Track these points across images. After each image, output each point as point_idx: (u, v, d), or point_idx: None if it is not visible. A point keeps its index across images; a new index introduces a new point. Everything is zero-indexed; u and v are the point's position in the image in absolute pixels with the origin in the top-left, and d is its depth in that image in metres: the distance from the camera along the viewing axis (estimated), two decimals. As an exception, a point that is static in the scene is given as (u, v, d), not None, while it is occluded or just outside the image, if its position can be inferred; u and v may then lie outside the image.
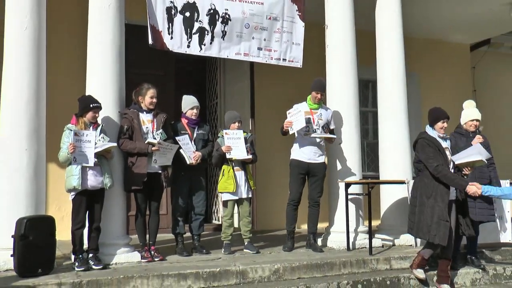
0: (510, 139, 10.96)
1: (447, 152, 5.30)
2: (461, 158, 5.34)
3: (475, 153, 5.30)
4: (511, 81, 11.10)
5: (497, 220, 6.31)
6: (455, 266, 5.67)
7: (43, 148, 5.20)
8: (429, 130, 5.39)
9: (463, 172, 5.38)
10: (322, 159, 6.28)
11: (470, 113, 5.90)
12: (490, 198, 5.72)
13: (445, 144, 5.36)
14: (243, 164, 6.07)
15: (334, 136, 6.26)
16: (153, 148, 5.36)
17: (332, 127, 6.33)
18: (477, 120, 5.86)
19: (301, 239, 6.58)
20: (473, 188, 4.93)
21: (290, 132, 6.08)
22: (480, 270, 5.82)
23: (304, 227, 6.52)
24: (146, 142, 5.37)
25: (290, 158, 6.31)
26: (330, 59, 6.66)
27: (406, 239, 6.54)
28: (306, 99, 6.29)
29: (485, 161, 5.35)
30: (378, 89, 7.07)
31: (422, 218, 5.13)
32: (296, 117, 6.07)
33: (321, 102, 6.30)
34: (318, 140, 6.20)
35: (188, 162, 5.74)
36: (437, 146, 5.23)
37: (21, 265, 4.69)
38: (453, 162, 5.30)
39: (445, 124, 5.36)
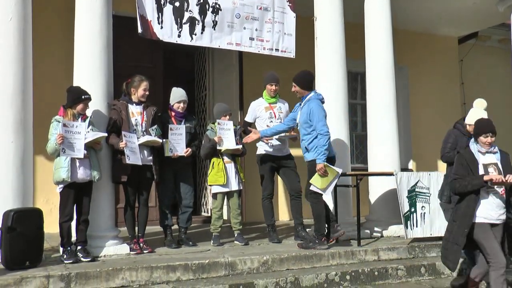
0: (497, 131, 11.02)
1: (491, 169, 4.58)
2: None
3: None
4: (499, 74, 11.15)
5: None
6: None
7: (30, 140, 5.12)
8: (471, 142, 4.77)
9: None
10: (289, 151, 6.30)
11: (474, 117, 5.39)
12: None
13: (486, 160, 4.64)
14: (232, 156, 6.06)
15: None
16: (121, 144, 5.25)
17: None
18: None
19: (290, 231, 6.59)
20: None
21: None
22: None
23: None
24: (123, 142, 5.25)
25: (259, 153, 6.24)
26: (319, 51, 6.66)
27: (394, 230, 6.59)
28: (262, 95, 6.28)
29: None
30: (366, 81, 7.07)
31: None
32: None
33: (277, 95, 6.29)
34: (283, 135, 6.15)
35: (166, 154, 5.68)
36: (468, 163, 4.60)
37: (9, 258, 4.65)
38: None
39: (489, 139, 4.63)
